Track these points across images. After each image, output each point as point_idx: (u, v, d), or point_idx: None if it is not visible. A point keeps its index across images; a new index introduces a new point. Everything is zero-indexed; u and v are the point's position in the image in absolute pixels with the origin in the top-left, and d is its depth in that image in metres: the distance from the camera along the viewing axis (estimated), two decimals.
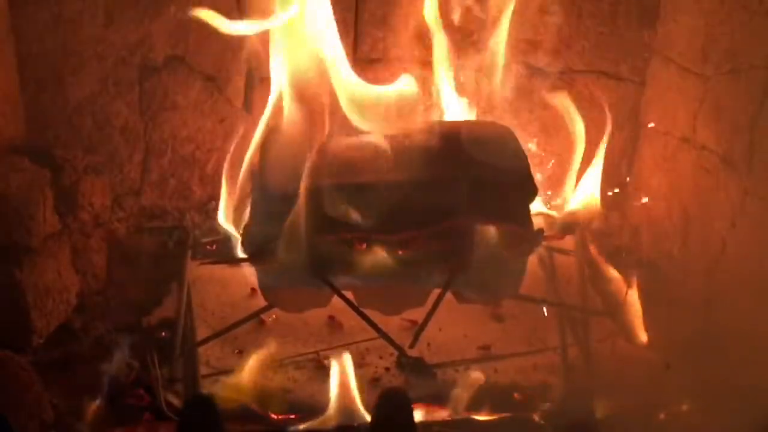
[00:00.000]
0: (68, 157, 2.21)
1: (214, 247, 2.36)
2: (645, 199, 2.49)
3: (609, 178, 2.61)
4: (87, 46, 2.29)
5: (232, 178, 2.05)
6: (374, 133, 1.95)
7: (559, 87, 2.48)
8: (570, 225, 2.12)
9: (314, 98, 1.93)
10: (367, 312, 1.94)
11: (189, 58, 2.41)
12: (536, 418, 1.82)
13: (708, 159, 2.17)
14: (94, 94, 2.34)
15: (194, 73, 2.43)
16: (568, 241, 2.27)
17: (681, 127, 2.30)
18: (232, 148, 2.08)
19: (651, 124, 2.52)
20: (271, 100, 2.02)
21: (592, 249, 2.19)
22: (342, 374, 1.84)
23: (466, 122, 2.19)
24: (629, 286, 2.03)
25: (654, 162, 2.50)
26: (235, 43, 2.41)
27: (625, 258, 2.37)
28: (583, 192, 2.15)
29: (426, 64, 2.29)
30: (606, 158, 2.59)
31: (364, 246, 1.82)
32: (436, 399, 1.88)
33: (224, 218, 2.06)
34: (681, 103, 2.30)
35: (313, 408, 1.83)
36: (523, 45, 2.33)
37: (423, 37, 2.23)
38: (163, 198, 2.54)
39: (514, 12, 2.19)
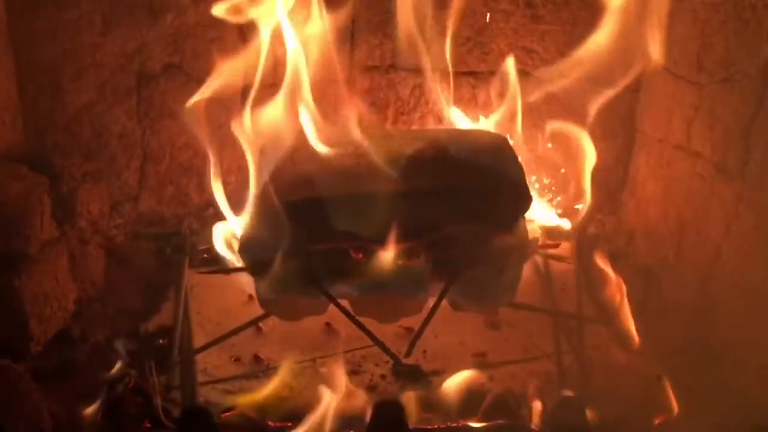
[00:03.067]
0: (66, 164, 2.22)
1: (211, 254, 2.36)
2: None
3: (604, 185, 2.64)
4: (85, 54, 2.30)
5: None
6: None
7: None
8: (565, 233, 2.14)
9: None
10: (364, 320, 1.95)
11: (186, 66, 2.43)
12: (531, 425, 1.83)
13: (702, 166, 2.18)
14: (92, 101, 2.35)
15: (191, 81, 2.43)
16: (564, 249, 2.28)
17: (675, 135, 2.31)
18: None
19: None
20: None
21: (588, 256, 2.20)
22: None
23: (462, 131, 2.20)
24: (624, 293, 2.04)
25: (649, 169, 2.50)
26: (232, 50, 2.44)
27: (620, 265, 2.38)
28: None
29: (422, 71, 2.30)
30: (601, 165, 2.62)
31: (360, 255, 1.83)
32: (432, 406, 1.88)
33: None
34: (675, 110, 2.31)
35: (309, 416, 1.83)
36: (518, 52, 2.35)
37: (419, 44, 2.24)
38: (160, 204, 2.55)
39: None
